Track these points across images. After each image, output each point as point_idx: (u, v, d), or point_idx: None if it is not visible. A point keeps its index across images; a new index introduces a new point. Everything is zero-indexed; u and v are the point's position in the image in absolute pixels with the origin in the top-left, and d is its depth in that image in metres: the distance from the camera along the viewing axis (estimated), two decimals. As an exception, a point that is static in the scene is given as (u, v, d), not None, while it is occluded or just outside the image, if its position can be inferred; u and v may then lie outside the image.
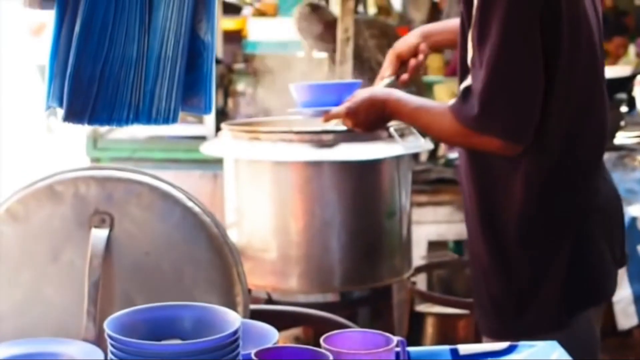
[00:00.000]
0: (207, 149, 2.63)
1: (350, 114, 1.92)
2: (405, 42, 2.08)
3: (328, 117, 1.98)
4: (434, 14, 7.21)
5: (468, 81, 1.72)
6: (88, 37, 1.32)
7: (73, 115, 1.34)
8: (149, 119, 1.38)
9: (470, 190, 1.82)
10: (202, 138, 3.54)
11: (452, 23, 2.04)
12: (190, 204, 1.54)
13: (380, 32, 4.46)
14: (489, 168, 1.77)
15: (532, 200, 1.73)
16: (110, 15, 1.32)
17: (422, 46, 2.05)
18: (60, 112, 1.35)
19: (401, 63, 2.08)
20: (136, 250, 1.50)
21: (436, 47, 2.10)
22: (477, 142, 1.72)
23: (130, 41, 1.34)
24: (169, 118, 1.38)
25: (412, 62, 2.06)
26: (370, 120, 1.92)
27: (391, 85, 2.10)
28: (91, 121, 1.35)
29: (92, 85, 1.33)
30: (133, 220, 1.51)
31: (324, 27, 4.51)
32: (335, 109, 1.95)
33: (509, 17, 1.62)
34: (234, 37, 5.60)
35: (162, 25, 1.35)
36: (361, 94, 1.93)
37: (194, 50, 1.40)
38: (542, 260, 1.75)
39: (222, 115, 3.58)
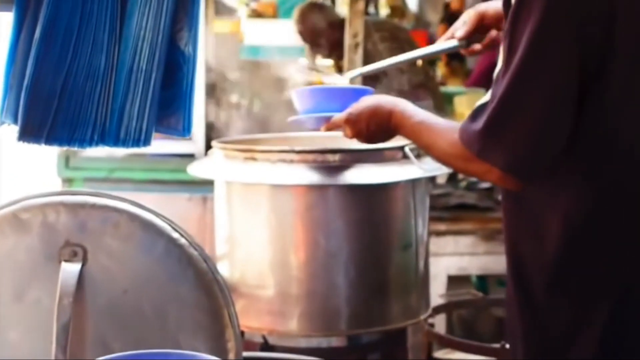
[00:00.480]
0: (196, 170, 2.63)
1: (351, 122, 1.90)
2: (494, 6, 1.97)
3: (329, 125, 1.97)
4: (446, 16, 7.27)
5: (486, 97, 1.66)
6: (50, 44, 1.31)
7: (29, 133, 1.33)
8: (116, 141, 1.37)
9: (503, 219, 1.78)
10: (190, 156, 3.54)
11: None
12: (175, 234, 1.54)
13: (391, 34, 4.46)
14: (522, 197, 1.69)
15: (569, 243, 1.63)
16: (75, 20, 1.32)
17: None
18: (15, 129, 1.35)
19: (479, 27, 1.99)
20: (112, 287, 1.50)
21: None
22: (475, 169, 1.68)
23: (98, 51, 1.34)
24: (139, 140, 1.38)
25: (494, 33, 1.98)
26: (372, 131, 1.89)
27: (454, 50, 2.02)
28: (49, 141, 1.35)
29: (52, 100, 1.33)
30: (109, 253, 1.51)
31: (329, 30, 4.52)
32: (335, 116, 1.94)
33: (541, 29, 1.54)
34: (228, 41, 5.61)
35: (135, 33, 1.35)
36: (367, 100, 1.91)
37: (173, 63, 1.40)
38: (571, 319, 1.64)
39: (213, 131, 3.58)
